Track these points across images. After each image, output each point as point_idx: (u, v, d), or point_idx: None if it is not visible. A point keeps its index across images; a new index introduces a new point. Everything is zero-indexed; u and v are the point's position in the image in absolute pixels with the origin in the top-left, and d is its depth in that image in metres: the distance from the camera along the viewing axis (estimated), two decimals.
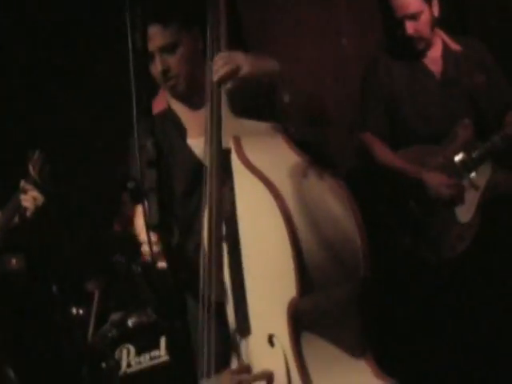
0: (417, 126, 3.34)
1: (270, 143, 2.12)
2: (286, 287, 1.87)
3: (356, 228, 1.96)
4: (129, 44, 1.90)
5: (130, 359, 3.37)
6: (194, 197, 2.60)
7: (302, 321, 1.91)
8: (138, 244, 3.62)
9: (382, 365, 2.02)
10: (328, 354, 1.97)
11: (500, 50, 3.57)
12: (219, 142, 2.10)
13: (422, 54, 3.35)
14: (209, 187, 2.12)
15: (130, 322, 3.47)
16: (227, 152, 2.07)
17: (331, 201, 1.98)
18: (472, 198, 3.21)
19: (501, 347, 3.23)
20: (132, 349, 3.39)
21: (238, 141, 2.06)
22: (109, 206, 4.05)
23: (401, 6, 3.25)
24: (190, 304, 2.56)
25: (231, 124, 2.12)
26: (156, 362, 3.40)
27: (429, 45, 3.33)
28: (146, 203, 1.82)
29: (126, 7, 1.91)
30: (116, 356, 3.36)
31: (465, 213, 3.21)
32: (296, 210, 1.89)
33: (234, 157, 2.05)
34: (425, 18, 3.25)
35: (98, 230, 4.06)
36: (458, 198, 3.22)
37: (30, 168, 3.23)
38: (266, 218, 1.93)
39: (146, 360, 3.40)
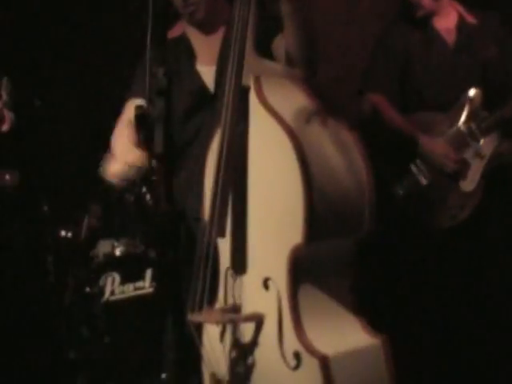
0: (427, 92, 3.34)
1: (290, 87, 2.11)
2: (292, 232, 1.87)
3: (366, 182, 1.96)
4: None
5: (114, 287, 3.37)
6: (191, 122, 2.62)
7: (302, 267, 1.92)
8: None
9: (373, 323, 2.03)
10: (321, 303, 1.98)
11: None
12: (239, 77, 2.07)
13: (425, 21, 3.34)
14: (223, 121, 2.08)
15: (117, 251, 3.46)
16: (246, 89, 2.05)
17: (347, 152, 1.97)
18: (477, 167, 3.21)
19: (491, 319, 3.26)
20: (117, 277, 3.38)
21: (258, 80, 2.03)
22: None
23: None
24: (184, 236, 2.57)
25: (252, 62, 2.09)
26: (139, 292, 3.39)
27: (432, 14, 3.34)
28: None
29: None
30: (100, 282, 3.36)
31: (468, 182, 3.21)
32: (312, 157, 1.87)
33: (252, 95, 2.03)
34: None
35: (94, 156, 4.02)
36: (461, 172, 3.22)
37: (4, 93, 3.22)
38: (280, 161, 1.92)
39: (129, 289, 3.39)
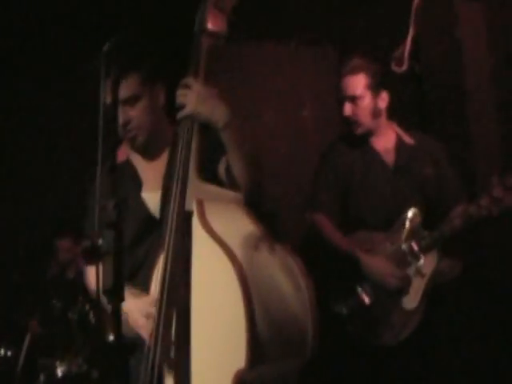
0: (367, 212, 3.39)
1: (232, 212, 2.13)
2: (235, 357, 1.86)
3: (309, 307, 1.97)
4: (101, 99, 1.89)
5: None
6: (140, 249, 2.60)
7: None
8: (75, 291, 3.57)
9: None
10: None
11: (455, 143, 3.71)
12: (183, 202, 2.10)
13: (365, 140, 3.45)
14: (166, 245, 2.10)
15: (59, 370, 3.38)
16: (189, 214, 2.07)
17: (288, 277, 1.99)
18: (418, 285, 3.23)
19: None
20: None
21: (201, 204, 2.07)
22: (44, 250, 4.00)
23: (343, 86, 3.41)
24: (133, 364, 2.53)
25: (195, 187, 2.13)
26: None
27: (371, 133, 3.45)
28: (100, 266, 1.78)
29: (100, 61, 1.92)
30: None
31: (410, 300, 3.23)
32: (253, 282, 1.89)
33: (195, 220, 2.05)
34: (365, 104, 3.39)
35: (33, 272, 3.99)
36: (403, 289, 3.25)
37: None
38: (222, 286, 1.92)
39: None
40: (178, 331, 2.06)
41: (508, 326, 3.60)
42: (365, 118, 3.40)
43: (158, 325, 2.08)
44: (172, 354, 2.08)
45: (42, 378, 3.34)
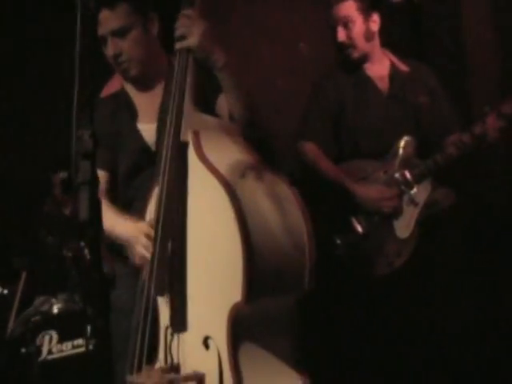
0: (360, 140, 3.36)
1: (228, 142, 2.11)
2: (231, 291, 1.85)
3: (306, 239, 1.95)
4: (77, 29, 1.84)
5: (51, 346, 3.29)
6: (135, 181, 2.58)
7: (242, 326, 1.90)
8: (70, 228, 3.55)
9: (315, 378, 2.02)
10: (263, 362, 1.96)
11: (451, 75, 3.65)
12: (178, 133, 2.07)
13: (358, 67, 3.42)
14: (161, 175, 2.08)
15: (55, 308, 3.38)
16: (185, 145, 2.04)
17: (285, 208, 1.97)
18: (411, 214, 3.23)
19: (434, 364, 3.26)
20: (55, 335, 3.30)
21: (197, 135, 2.04)
22: (41, 186, 3.96)
23: (334, 13, 3.38)
24: (115, 297, 2.53)
25: (191, 118, 2.10)
26: (78, 350, 3.32)
27: (366, 57, 3.41)
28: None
29: None
30: (37, 342, 3.27)
31: (404, 228, 3.23)
32: (249, 214, 1.87)
33: (191, 151, 2.03)
34: (357, 28, 3.35)
35: (29, 208, 3.96)
36: (397, 210, 3.24)
37: None
38: (219, 218, 1.90)
39: (68, 348, 3.32)
40: (173, 263, 2.06)
41: (501, 255, 3.62)
42: (359, 40, 3.36)
43: (153, 257, 2.07)
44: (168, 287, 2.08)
45: (37, 316, 3.34)
